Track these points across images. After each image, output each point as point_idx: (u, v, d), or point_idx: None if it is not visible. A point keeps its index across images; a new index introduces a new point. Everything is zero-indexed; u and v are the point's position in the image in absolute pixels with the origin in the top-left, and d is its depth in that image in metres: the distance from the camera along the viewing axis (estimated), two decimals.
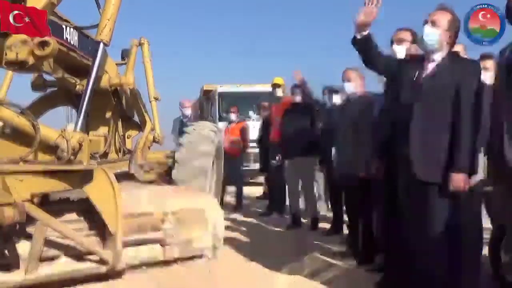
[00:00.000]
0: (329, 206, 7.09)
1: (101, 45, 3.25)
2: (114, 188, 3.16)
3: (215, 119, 13.56)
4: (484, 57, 4.22)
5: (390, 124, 3.36)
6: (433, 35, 3.04)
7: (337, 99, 5.94)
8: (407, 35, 3.81)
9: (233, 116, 9.42)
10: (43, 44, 2.76)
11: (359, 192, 4.64)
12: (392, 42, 3.80)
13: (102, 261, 3.15)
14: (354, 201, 4.88)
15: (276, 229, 6.63)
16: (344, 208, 5.58)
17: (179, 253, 3.81)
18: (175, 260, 3.81)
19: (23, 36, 2.70)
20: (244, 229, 6.49)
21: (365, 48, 3.25)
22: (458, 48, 3.82)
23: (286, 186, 7.37)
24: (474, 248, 3.57)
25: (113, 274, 3.31)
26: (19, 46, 2.69)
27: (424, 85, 3.04)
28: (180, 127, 9.10)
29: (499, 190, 3.06)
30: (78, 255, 3.16)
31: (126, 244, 3.38)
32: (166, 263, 3.75)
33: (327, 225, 6.56)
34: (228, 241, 4.99)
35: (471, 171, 2.98)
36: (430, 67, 3.09)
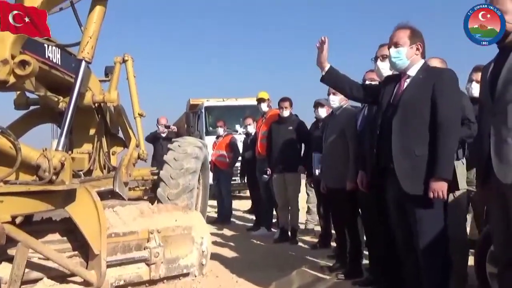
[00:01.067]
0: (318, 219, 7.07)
1: (83, 62, 3.22)
2: (98, 208, 3.12)
3: (202, 133, 13.50)
4: (477, 69, 4.22)
5: (374, 139, 3.37)
6: (398, 54, 3.13)
7: (322, 113, 5.97)
8: None
9: (220, 130, 9.37)
10: (24, 64, 2.73)
11: (347, 205, 4.61)
12: (376, 59, 3.85)
13: (86, 283, 3.10)
14: (341, 214, 4.84)
15: (264, 243, 6.57)
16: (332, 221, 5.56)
17: (165, 272, 3.76)
18: (161, 279, 3.77)
19: (3, 56, 2.67)
20: (231, 244, 6.43)
21: (335, 80, 3.53)
22: (435, 62, 3.87)
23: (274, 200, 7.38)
24: (460, 259, 3.58)
25: None
26: None
27: (400, 100, 3.09)
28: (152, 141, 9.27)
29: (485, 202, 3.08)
30: (62, 277, 3.10)
31: (111, 264, 3.34)
32: (152, 282, 3.71)
33: (315, 239, 6.53)
34: (215, 256, 4.94)
35: (452, 182, 2.97)
36: (406, 82, 3.16)
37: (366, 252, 4.53)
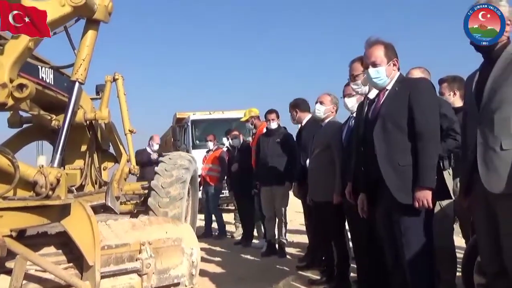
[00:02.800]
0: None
1: (77, 84, 3.39)
2: (91, 221, 3.27)
3: (188, 146, 13.45)
4: (441, 81, 4.39)
5: (359, 154, 3.47)
6: (378, 73, 3.16)
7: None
8: None
9: (210, 144, 9.38)
10: (22, 87, 2.89)
11: (334, 218, 4.62)
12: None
13: None
14: (328, 227, 4.82)
15: (251, 257, 6.63)
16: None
17: (157, 282, 3.90)
18: None
19: (2, 80, 2.82)
20: (218, 259, 6.48)
21: None
22: (417, 72, 3.99)
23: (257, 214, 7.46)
24: (447, 269, 3.69)
25: None
26: None
27: (379, 113, 3.14)
28: None
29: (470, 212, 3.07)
30: None
31: (104, 275, 3.48)
32: None
33: (303, 252, 6.57)
34: (202, 272, 5.03)
35: (441, 190, 3.01)
36: (384, 96, 3.21)
37: (353, 265, 4.55)
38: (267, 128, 7.05)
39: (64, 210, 3.17)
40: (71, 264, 3.39)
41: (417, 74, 4.02)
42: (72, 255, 3.43)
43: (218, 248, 7.59)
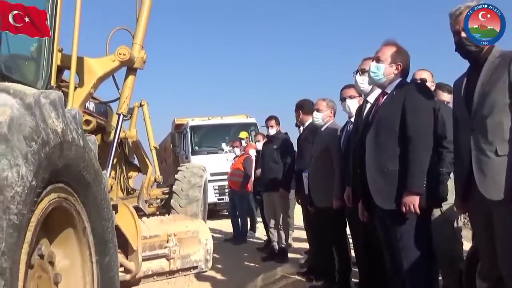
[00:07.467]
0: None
1: (121, 116, 4.54)
2: (134, 217, 4.41)
3: (188, 153, 13.28)
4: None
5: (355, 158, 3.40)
6: (377, 69, 3.13)
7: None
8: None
9: (236, 150, 9.24)
10: (87, 122, 4.05)
11: (334, 223, 4.55)
12: (357, 72, 3.87)
13: (127, 271, 4.35)
14: (329, 232, 4.70)
15: (252, 263, 6.65)
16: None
17: (180, 265, 5.07)
18: (178, 271, 5.07)
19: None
20: (218, 265, 6.33)
21: None
22: (424, 74, 4.07)
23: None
24: (450, 274, 3.65)
25: (135, 281, 4.52)
26: None
27: (375, 117, 3.11)
28: None
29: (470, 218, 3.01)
30: None
31: (142, 259, 4.61)
32: (171, 273, 5.01)
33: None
34: (203, 276, 5.47)
35: (433, 196, 2.96)
36: (383, 99, 3.15)
37: (355, 270, 4.46)
38: (267, 134, 7.23)
39: (114, 209, 4.29)
40: (118, 250, 4.53)
41: (424, 75, 3.98)
42: (118, 243, 4.56)
43: (217, 255, 6.90)
